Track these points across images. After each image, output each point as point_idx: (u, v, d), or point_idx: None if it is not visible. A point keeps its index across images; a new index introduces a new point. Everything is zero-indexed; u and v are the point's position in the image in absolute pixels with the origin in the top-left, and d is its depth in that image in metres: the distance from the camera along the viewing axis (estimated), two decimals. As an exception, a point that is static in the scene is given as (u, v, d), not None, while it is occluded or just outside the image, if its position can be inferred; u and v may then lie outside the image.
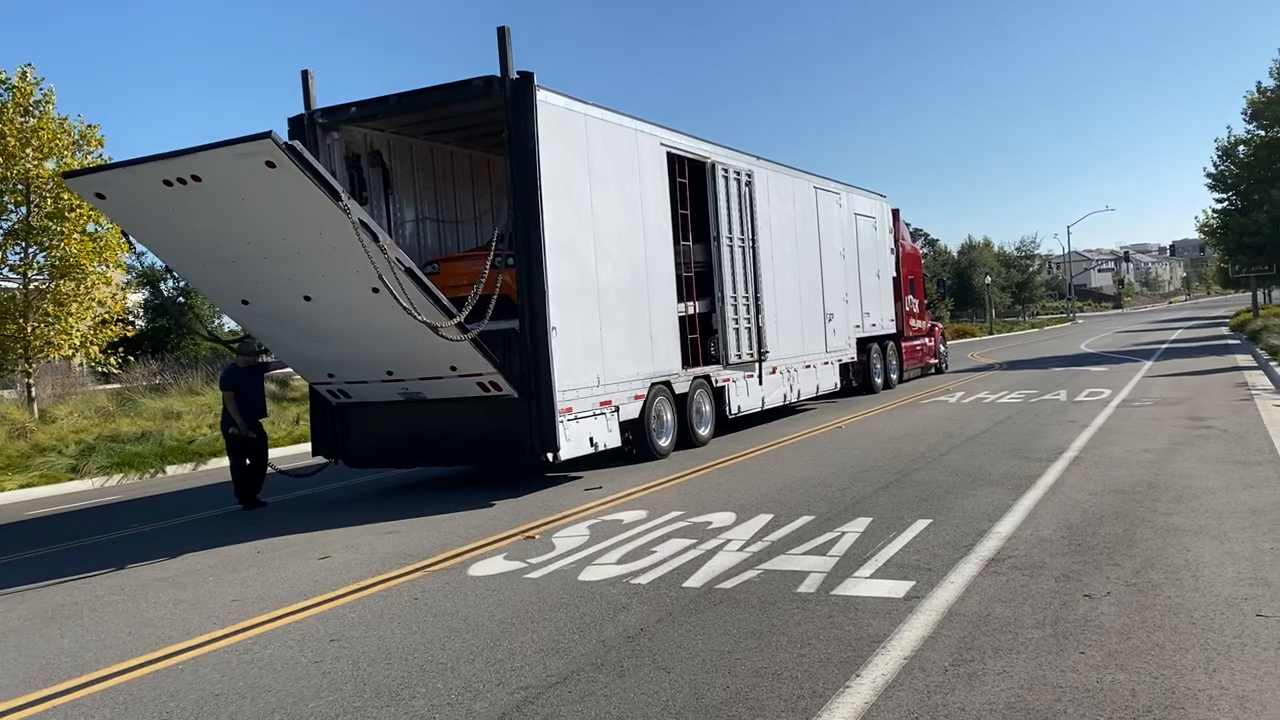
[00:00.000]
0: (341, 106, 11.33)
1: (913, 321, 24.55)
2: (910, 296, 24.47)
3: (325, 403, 11.54)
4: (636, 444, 12.69)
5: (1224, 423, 12.82)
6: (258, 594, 7.15)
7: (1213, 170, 38.27)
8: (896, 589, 6.11)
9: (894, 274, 23.16)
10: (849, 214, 20.25)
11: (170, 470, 16.78)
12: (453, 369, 10.13)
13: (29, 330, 21.53)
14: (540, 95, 10.51)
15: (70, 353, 22.29)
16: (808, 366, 17.70)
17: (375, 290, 8.78)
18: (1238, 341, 32.75)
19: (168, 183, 8.09)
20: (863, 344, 20.69)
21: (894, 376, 22.78)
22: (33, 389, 22.62)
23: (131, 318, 31.70)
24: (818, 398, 18.73)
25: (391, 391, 10.80)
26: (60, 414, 20.79)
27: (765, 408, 16.09)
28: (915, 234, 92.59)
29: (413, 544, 8.47)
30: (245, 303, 9.75)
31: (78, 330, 22.14)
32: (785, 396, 16.78)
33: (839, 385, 19.27)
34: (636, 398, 12.38)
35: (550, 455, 10.50)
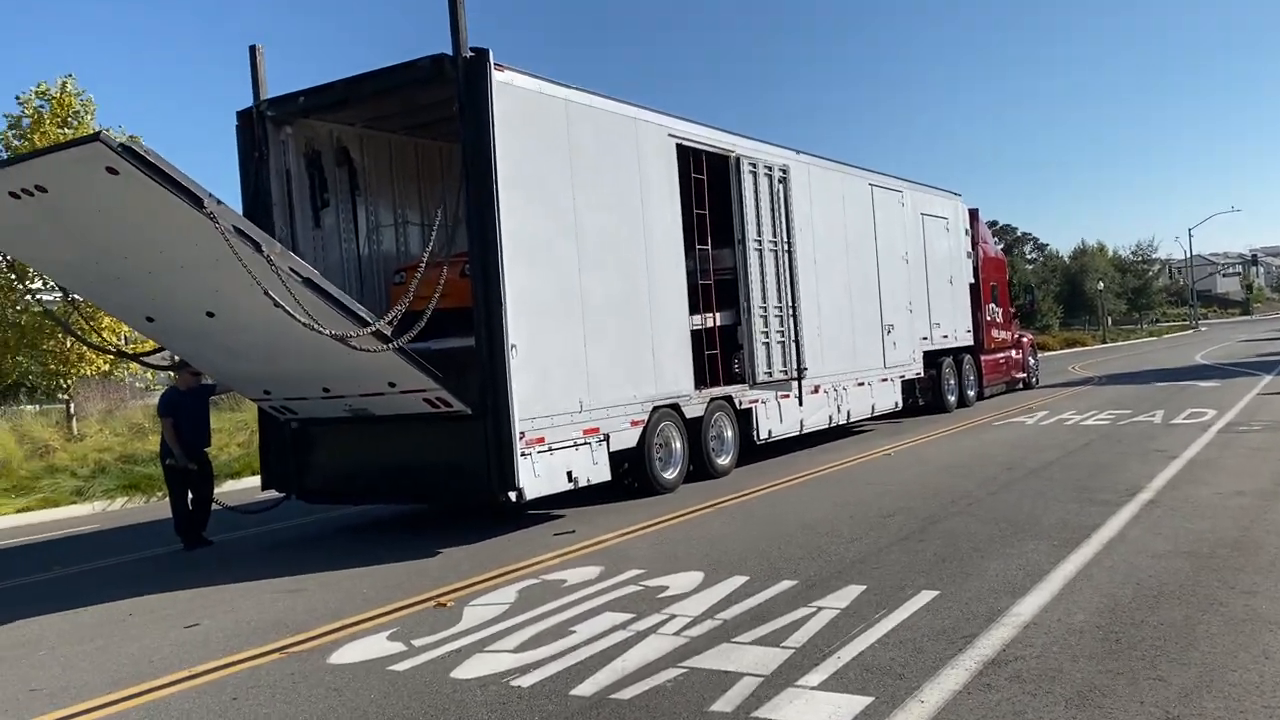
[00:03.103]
0: (289, 96, 10.05)
1: (995, 332, 22.30)
2: (992, 305, 22.23)
3: (276, 424, 10.28)
4: (636, 476, 11.10)
5: (1347, 456, 10.60)
6: (66, 681, 5.81)
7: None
8: (841, 711, 4.45)
9: (971, 280, 21.00)
10: (914, 214, 18.25)
11: (180, 493, 15.87)
12: (391, 385, 8.74)
13: (68, 345, 20.99)
14: (501, 76, 9.07)
15: (106, 366, 21.65)
16: (860, 384, 15.81)
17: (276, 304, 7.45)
18: (1376, 352, 29.33)
19: (14, 195, 6.91)
20: (932, 357, 18.65)
21: (970, 393, 20.60)
22: (71, 405, 22.17)
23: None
24: (875, 418, 16.79)
25: (336, 408, 9.48)
26: (91, 431, 20.25)
27: (805, 431, 14.28)
28: (1023, 239, 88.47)
29: (300, 610, 7.06)
30: (151, 320, 8.55)
31: (111, 342, 21.55)
32: (831, 418, 14.94)
33: (900, 404, 17.28)
34: (634, 424, 10.79)
35: (512, 495, 9.00)
